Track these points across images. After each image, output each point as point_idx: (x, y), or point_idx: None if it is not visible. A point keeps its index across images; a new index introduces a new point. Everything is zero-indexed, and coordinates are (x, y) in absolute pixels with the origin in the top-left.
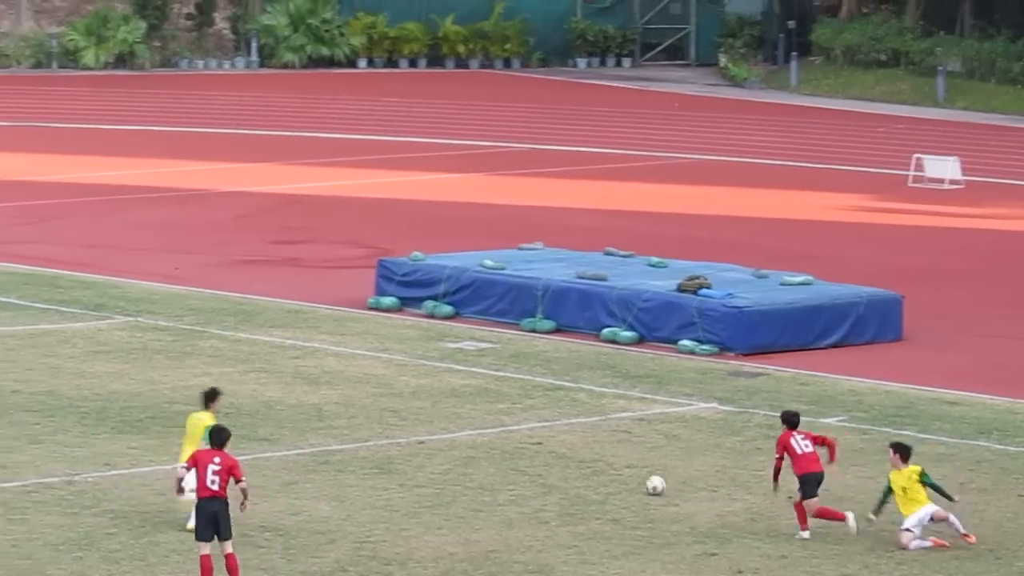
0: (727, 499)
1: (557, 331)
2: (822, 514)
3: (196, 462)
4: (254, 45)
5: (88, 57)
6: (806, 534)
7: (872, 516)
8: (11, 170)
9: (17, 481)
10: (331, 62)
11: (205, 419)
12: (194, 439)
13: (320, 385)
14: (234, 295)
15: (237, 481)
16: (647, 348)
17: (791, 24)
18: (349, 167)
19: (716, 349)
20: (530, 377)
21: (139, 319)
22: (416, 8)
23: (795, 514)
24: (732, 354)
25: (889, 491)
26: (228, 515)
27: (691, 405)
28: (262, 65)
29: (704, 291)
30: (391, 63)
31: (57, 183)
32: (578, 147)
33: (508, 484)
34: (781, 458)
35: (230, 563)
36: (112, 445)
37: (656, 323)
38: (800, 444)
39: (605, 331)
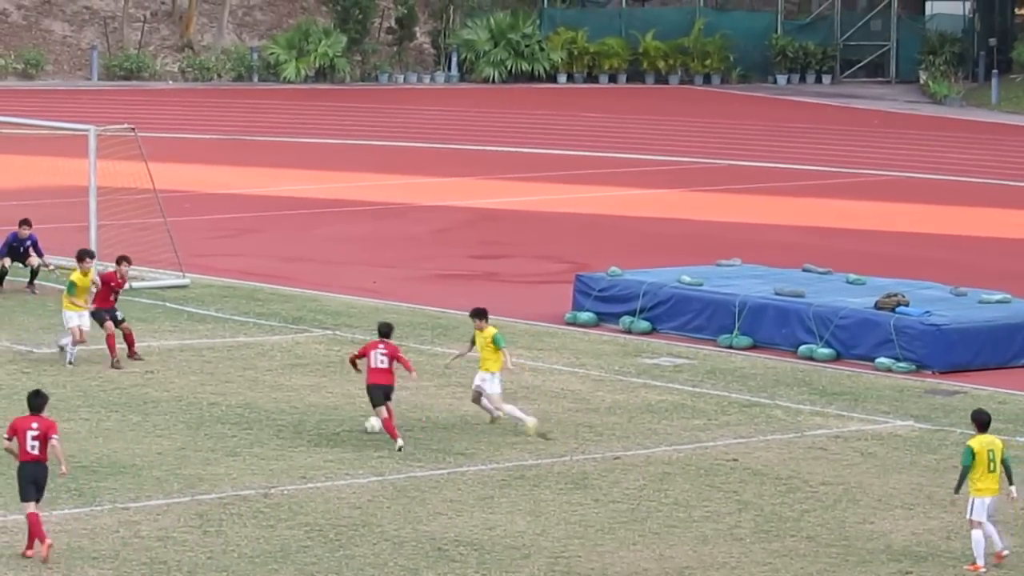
0: (923, 517)
1: (754, 347)
2: None
3: (15, 429)
4: (454, 59)
5: (289, 70)
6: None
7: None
8: (212, 182)
9: (214, 494)
10: (531, 77)
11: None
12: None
13: (516, 400)
14: (432, 309)
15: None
16: (844, 365)
17: (992, 42)
18: (548, 182)
19: (913, 367)
20: (726, 393)
21: (337, 332)
22: (616, 24)
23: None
24: (929, 372)
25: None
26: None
27: (887, 423)
28: (462, 79)
29: (902, 309)
30: (591, 78)
31: (257, 196)
32: (777, 163)
33: (703, 500)
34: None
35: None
36: (308, 458)
37: (853, 340)
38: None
39: (802, 348)
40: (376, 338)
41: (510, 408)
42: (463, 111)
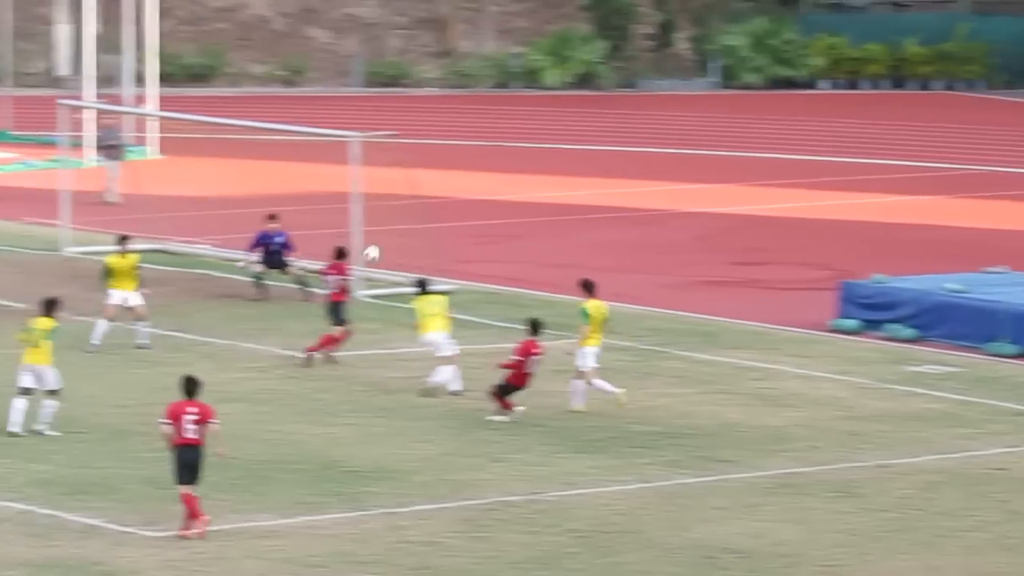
0: None
1: (1022, 356)
2: None
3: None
4: (715, 65)
5: (549, 77)
6: None
7: None
8: (474, 189)
9: (481, 499)
10: (791, 83)
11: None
12: None
13: (782, 407)
14: (695, 316)
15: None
16: None
17: None
18: (809, 188)
19: None
20: (995, 402)
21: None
22: (878, 30)
23: None
24: None
25: None
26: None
27: None
28: (723, 86)
29: None
30: (852, 84)
31: (518, 202)
32: None
33: (972, 510)
34: None
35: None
36: (574, 464)
37: None
38: None
39: None
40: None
41: (600, 382)
42: (723, 117)
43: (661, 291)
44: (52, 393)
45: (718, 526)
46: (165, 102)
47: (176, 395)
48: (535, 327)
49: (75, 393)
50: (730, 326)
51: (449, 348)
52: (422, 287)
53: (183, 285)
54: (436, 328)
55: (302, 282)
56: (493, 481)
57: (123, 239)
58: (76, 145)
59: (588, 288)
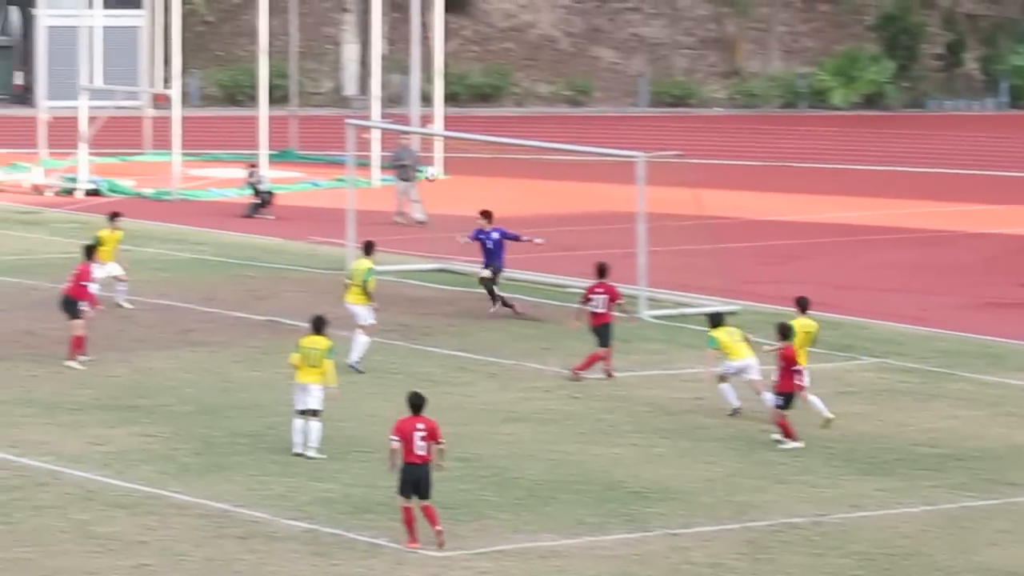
0: None
1: None
2: None
3: (402, 431)
4: (1005, 86)
5: (837, 97)
6: None
7: None
8: (758, 209)
9: (765, 521)
10: None
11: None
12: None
13: None
14: (982, 338)
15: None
16: None
17: None
18: None
19: None
20: None
21: (886, 360)
22: None
23: None
24: None
25: None
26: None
27: None
28: (1012, 106)
29: None
30: None
31: (803, 223)
32: None
33: None
34: None
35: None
36: (859, 486)
37: None
38: None
39: None
40: None
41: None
42: (1012, 138)
43: (947, 312)
44: (315, 414)
45: (1003, 550)
46: (450, 122)
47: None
48: (785, 333)
49: (358, 412)
50: (1018, 348)
51: (755, 372)
52: (717, 321)
53: (466, 305)
54: (744, 355)
55: (490, 288)
56: (777, 503)
57: (114, 215)
58: (362, 164)
59: (802, 305)
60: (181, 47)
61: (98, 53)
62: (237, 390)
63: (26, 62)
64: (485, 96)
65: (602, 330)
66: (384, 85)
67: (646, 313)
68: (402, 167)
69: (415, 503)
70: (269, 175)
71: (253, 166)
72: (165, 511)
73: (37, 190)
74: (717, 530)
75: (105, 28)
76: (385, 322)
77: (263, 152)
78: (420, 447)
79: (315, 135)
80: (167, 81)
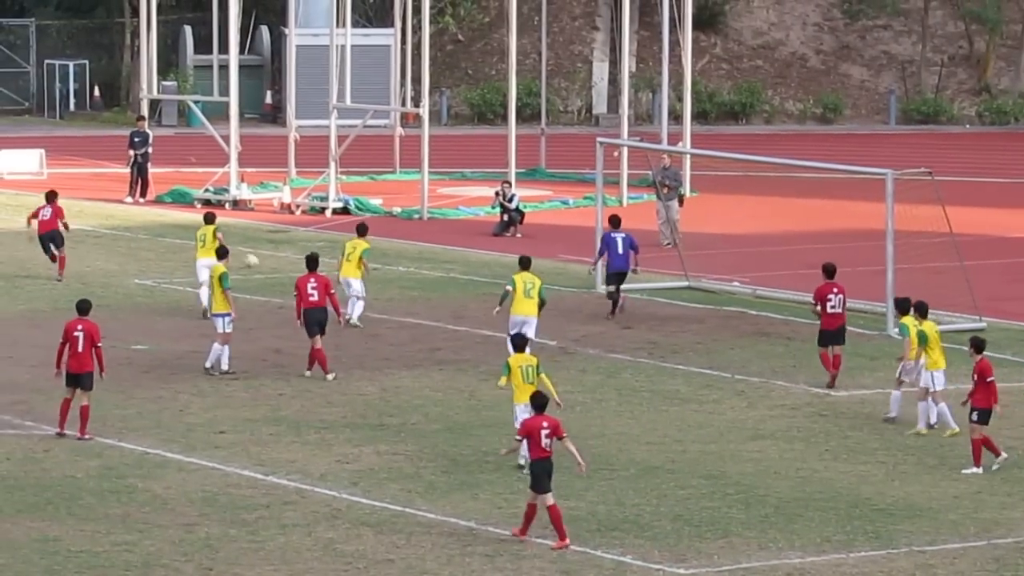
0: None
1: None
2: None
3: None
4: None
5: None
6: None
7: None
8: (1006, 226)
9: (1011, 538)
10: None
11: None
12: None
13: None
14: None
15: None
16: None
17: None
18: None
19: None
20: None
21: None
22: None
23: None
24: None
25: None
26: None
27: None
28: None
29: None
30: None
31: None
32: None
33: None
34: None
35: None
36: None
37: None
38: None
39: None
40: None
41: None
42: None
43: None
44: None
45: None
46: (699, 139)
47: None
48: (978, 347)
49: (605, 430)
50: None
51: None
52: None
53: (715, 323)
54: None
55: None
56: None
57: (362, 228)
58: (611, 183)
59: (920, 311)
60: (431, 66)
61: (348, 72)
62: (484, 408)
63: (276, 81)
64: (734, 114)
65: (839, 332)
66: (633, 103)
67: (894, 331)
68: (666, 187)
69: (547, 499)
70: (519, 193)
71: (506, 183)
72: (412, 529)
73: (286, 209)
74: (963, 547)
75: (355, 47)
76: (633, 340)
77: (512, 170)
78: (546, 444)
79: (564, 153)
80: (417, 100)
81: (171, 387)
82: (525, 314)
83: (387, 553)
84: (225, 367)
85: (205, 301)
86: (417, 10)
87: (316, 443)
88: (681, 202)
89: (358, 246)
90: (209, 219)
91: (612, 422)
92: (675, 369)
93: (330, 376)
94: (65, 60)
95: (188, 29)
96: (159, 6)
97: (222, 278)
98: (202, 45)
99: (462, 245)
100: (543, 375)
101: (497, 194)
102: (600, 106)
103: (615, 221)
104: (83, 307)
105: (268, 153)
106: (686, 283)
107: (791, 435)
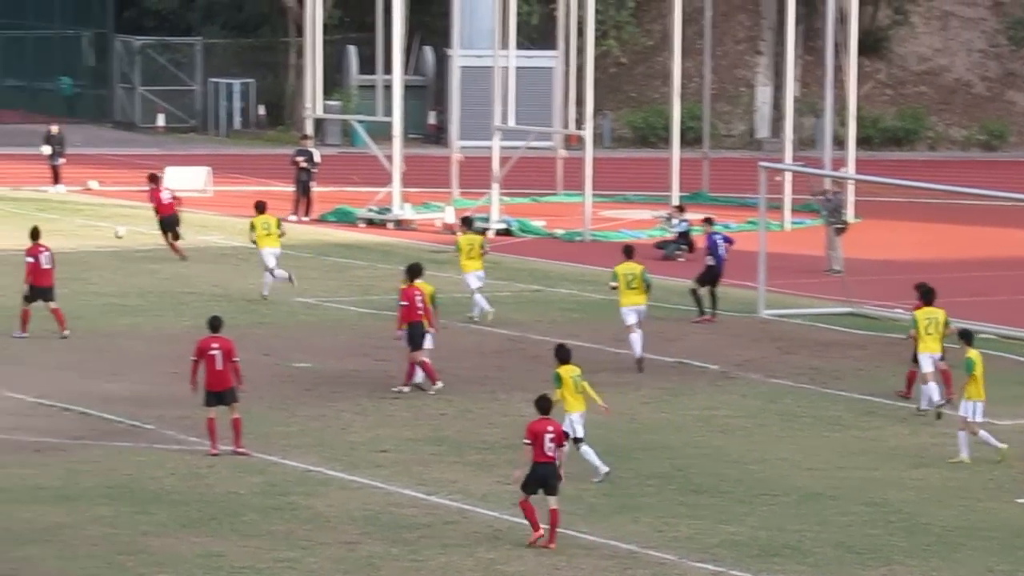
0: None
1: None
2: None
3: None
4: None
5: None
6: None
7: None
8: None
9: None
10: None
11: None
12: None
13: None
14: None
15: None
16: None
17: None
18: None
19: None
20: None
21: None
22: None
23: None
24: None
25: None
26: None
27: None
28: None
29: None
30: None
31: None
32: None
33: None
34: None
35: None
36: None
37: None
38: None
39: None
40: None
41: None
42: None
43: None
44: (577, 441)
45: None
46: (862, 165)
47: None
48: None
49: (767, 455)
50: None
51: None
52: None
53: (877, 349)
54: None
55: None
56: None
57: (467, 221)
58: (774, 207)
59: (966, 338)
60: (594, 88)
61: (511, 93)
62: (645, 431)
63: (440, 102)
64: (898, 140)
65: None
66: (796, 128)
67: None
68: (833, 213)
69: (551, 501)
70: (687, 217)
71: (681, 209)
72: (572, 551)
73: (449, 229)
74: None
75: (518, 69)
76: (795, 366)
77: (674, 194)
78: (549, 448)
79: (727, 177)
80: (580, 122)
81: (334, 405)
82: (633, 304)
83: (547, 575)
84: (423, 383)
85: (267, 291)
86: (581, 32)
87: (478, 464)
88: (842, 230)
89: (474, 241)
90: (261, 208)
91: (773, 447)
92: (837, 395)
93: (439, 384)
94: (231, 79)
95: (353, 49)
96: (324, 26)
97: (433, 297)
98: (366, 65)
99: None
100: (585, 383)
101: (667, 217)
102: (763, 130)
103: (709, 220)
104: (216, 324)
105: (431, 173)
106: (848, 309)
107: (954, 463)
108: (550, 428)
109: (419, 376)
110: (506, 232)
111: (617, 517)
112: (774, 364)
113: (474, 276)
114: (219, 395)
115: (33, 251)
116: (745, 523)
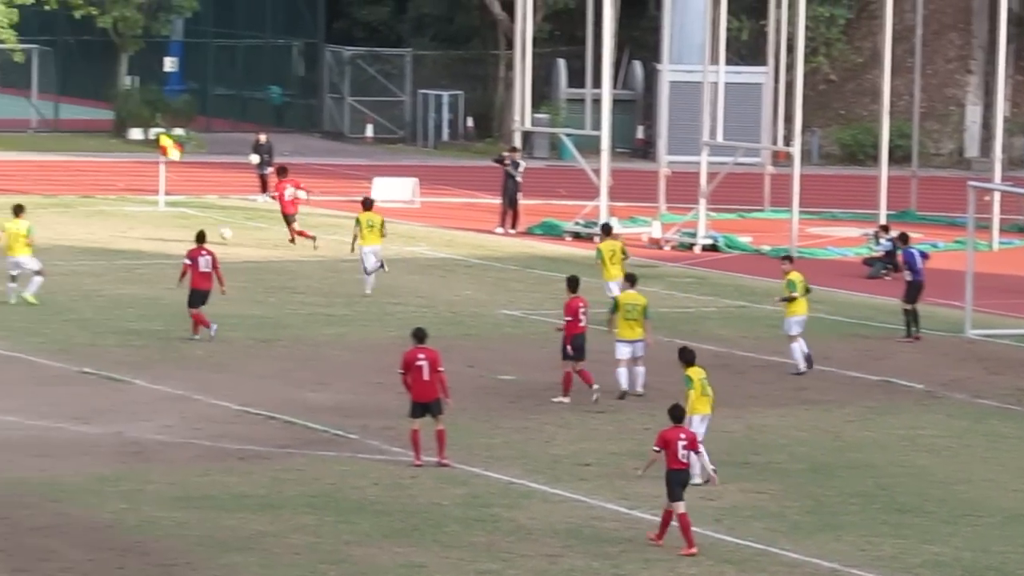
0: None
1: None
2: None
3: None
4: None
5: None
6: None
7: None
8: None
9: None
10: None
11: None
12: None
13: None
14: None
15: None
16: None
17: None
18: None
19: None
20: None
21: None
22: None
23: None
24: None
25: None
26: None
27: None
28: None
29: None
30: None
31: None
32: None
33: None
34: None
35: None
36: None
37: None
38: None
39: None
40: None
41: None
42: None
43: None
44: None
45: None
46: None
47: None
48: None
49: (972, 476)
50: None
51: None
52: None
53: None
54: None
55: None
56: None
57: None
58: (982, 227)
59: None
60: (803, 105)
61: (720, 109)
62: (849, 449)
63: (648, 116)
64: None
65: None
66: (1006, 148)
67: None
68: None
69: (678, 507)
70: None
71: (886, 228)
72: (775, 568)
73: (655, 244)
74: None
75: (727, 84)
76: (1002, 386)
77: (882, 212)
78: (683, 455)
79: (935, 196)
80: (788, 139)
81: (537, 418)
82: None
83: None
84: (640, 390)
85: (369, 289)
86: (790, 49)
87: None
88: None
89: (615, 247)
90: (367, 204)
91: (979, 468)
92: None
93: (595, 387)
94: (440, 90)
95: (562, 62)
96: (534, 39)
97: (645, 310)
98: (575, 78)
99: (830, 285)
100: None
101: (874, 236)
102: (972, 149)
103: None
104: (421, 335)
105: (638, 188)
106: None
107: None
108: (682, 435)
109: (623, 381)
110: (712, 248)
111: (820, 535)
112: (980, 384)
113: (616, 284)
114: (425, 406)
115: (193, 254)
116: (949, 544)
